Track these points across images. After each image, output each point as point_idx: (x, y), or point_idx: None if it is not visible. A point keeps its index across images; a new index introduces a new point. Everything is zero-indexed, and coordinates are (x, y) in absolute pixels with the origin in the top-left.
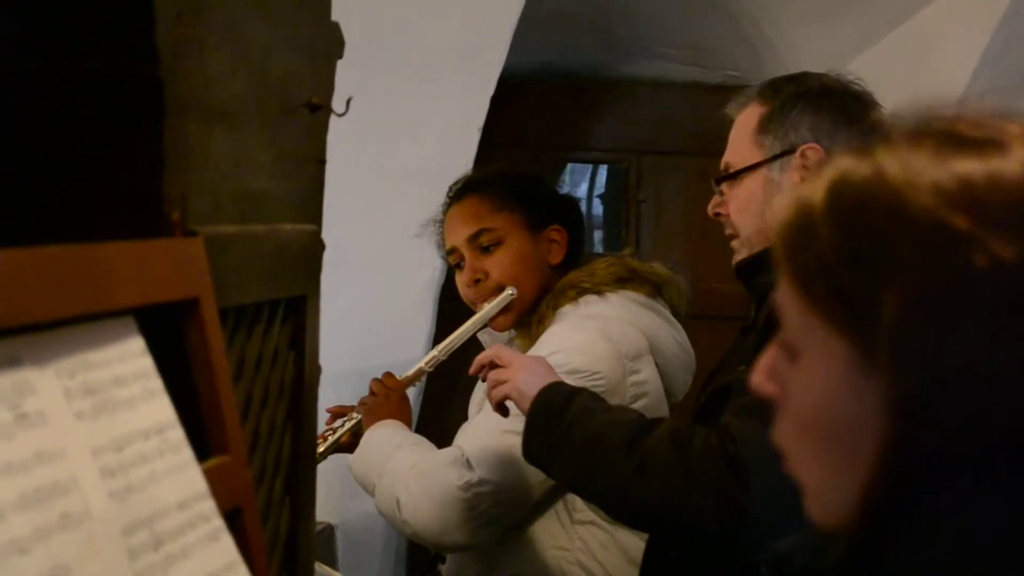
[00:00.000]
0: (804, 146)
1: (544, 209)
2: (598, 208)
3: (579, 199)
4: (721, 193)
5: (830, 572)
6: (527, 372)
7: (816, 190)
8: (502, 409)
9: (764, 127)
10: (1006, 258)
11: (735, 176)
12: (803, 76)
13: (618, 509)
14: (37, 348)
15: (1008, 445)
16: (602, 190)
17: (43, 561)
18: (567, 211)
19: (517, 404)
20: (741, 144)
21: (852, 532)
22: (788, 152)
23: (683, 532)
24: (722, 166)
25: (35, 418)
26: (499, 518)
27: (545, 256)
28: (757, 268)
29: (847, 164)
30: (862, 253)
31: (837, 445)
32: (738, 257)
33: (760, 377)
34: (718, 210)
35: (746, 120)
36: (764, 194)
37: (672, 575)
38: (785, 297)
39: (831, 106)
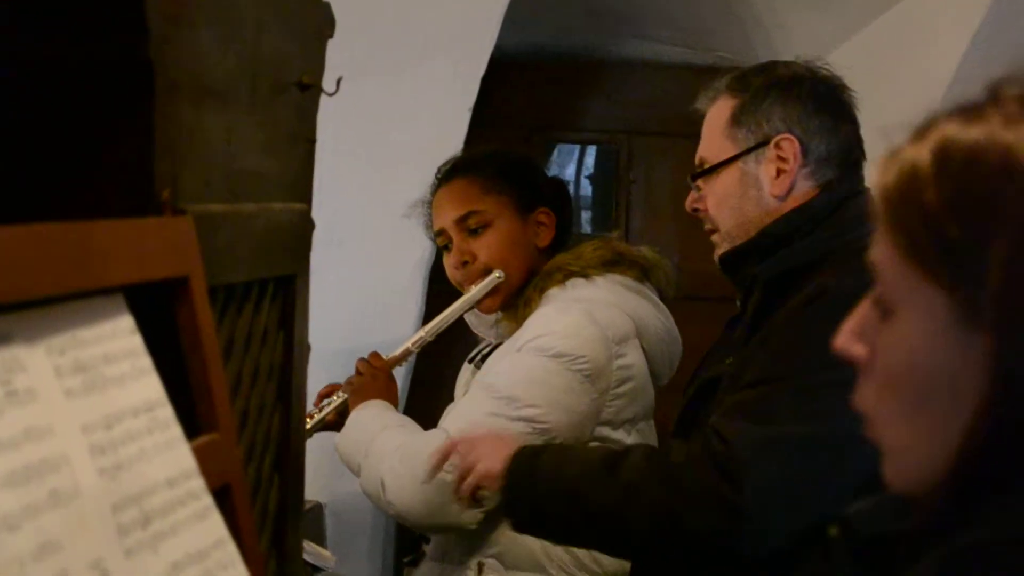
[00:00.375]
0: (778, 136)
1: (532, 192)
2: (588, 189)
3: (568, 181)
4: (698, 188)
5: (907, 537)
6: (486, 454)
7: (921, 151)
8: (478, 503)
9: (736, 120)
10: None
11: (711, 171)
12: (772, 65)
13: (618, 543)
14: (27, 325)
15: None
16: (592, 171)
17: (33, 538)
18: (555, 193)
19: (490, 488)
20: (714, 138)
21: (934, 496)
22: (762, 144)
23: (684, 544)
24: (696, 161)
25: (25, 395)
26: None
27: (533, 239)
28: (741, 260)
29: (953, 127)
30: (970, 210)
31: (931, 403)
32: (720, 251)
33: (847, 337)
34: (696, 205)
35: (718, 114)
36: (740, 187)
37: (665, 565)
38: (883, 255)
39: (802, 94)
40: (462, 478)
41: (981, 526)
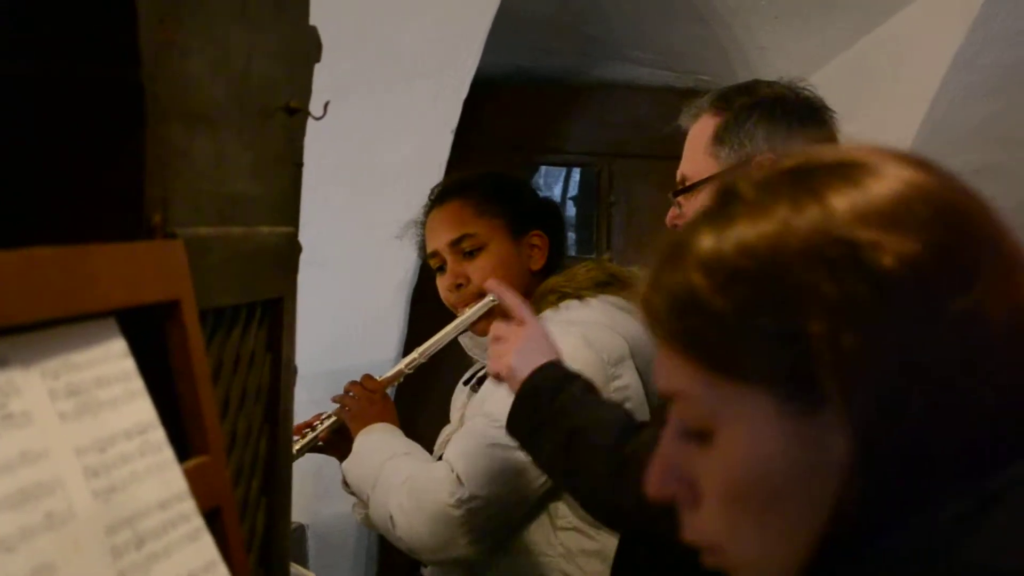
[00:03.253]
0: (760, 156)
1: (526, 214)
2: (570, 210)
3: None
4: (679, 205)
5: None
6: (520, 353)
7: (687, 271)
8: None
9: (719, 138)
10: (911, 252)
11: (693, 188)
12: (755, 85)
13: (592, 507)
14: (22, 349)
15: (962, 444)
16: (574, 193)
17: (28, 560)
18: (548, 216)
19: (509, 384)
20: (697, 156)
21: None
22: (745, 162)
23: (655, 534)
24: (678, 178)
25: (20, 418)
26: (493, 532)
27: (526, 262)
28: None
29: (708, 240)
30: (771, 304)
31: (783, 504)
32: None
33: (657, 482)
34: (676, 222)
35: (700, 132)
36: None
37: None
38: (682, 385)
39: (785, 114)
40: (495, 360)
41: None
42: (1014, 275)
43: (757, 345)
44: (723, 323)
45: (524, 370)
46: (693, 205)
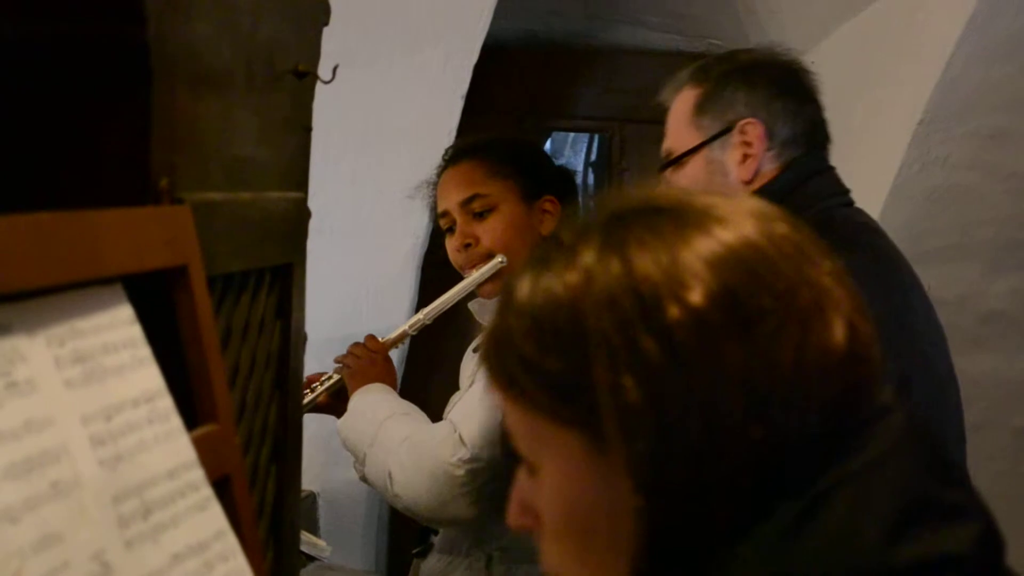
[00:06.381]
0: (742, 122)
1: (539, 179)
2: (582, 176)
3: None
4: (666, 179)
5: None
6: None
7: (507, 315)
8: None
9: (701, 108)
10: (697, 303)
11: (677, 161)
12: (732, 54)
13: None
14: (27, 316)
15: (744, 474)
16: (584, 158)
17: (33, 530)
18: (562, 182)
19: None
20: (679, 128)
21: None
22: (727, 130)
23: None
24: (663, 152)
25: (25, 386)
26: (493, 493)
27: (537, 226)
28: None
29: (525, 283)
30: (564, 351)
31: (595, 541)
32: None
33: (514, 513)
34: None
35: (682, 105)
36: (707, 175)
37: None
38: (510, 422)
39: (764, 79)
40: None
41: None
42: (809, 320)
43: (558, 389)
44: (531, 366)
45: None
46: (680, 178)
